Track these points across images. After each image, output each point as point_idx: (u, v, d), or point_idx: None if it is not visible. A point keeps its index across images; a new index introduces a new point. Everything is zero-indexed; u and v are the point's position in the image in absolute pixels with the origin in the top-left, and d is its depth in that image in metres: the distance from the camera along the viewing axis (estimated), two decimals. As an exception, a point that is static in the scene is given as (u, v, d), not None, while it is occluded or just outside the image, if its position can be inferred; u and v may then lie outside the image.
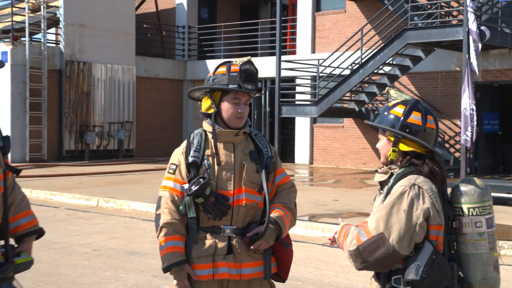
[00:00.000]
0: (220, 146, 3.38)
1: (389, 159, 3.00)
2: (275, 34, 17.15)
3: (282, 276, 3.49)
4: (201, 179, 3.25)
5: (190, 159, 3.33)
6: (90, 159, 20.65)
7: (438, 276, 2.78)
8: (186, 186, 3.29)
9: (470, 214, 2.86)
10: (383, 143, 3.03)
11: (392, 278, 2.87)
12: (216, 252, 3.31)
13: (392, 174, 2.97)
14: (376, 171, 3.08)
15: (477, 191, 2.88)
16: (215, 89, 3.36)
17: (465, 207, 2.88)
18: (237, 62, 3.39)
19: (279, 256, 3.45)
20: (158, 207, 3.37)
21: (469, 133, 11.35)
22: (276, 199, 3.44)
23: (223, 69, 3.35)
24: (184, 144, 3.44)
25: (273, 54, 20.07)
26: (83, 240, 8.90)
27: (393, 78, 16.94)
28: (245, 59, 3.42)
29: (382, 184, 3.04)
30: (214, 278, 3.31)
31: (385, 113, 3.02)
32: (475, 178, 2.98)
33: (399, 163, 2.98)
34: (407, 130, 2.93)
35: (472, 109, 11.38)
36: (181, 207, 3.31)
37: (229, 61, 3.43)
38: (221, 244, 3.32)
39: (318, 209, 11.12)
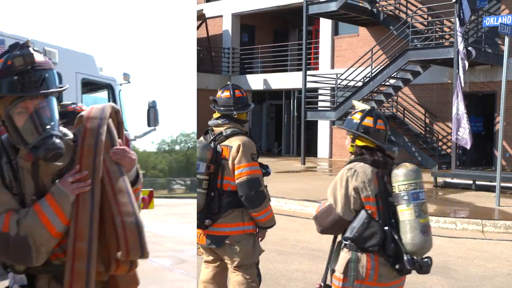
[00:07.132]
0: None
1: (349, 152, 3.19)
2: (302, 54, 17.11)
3: None
4: None
5: None
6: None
7: (368, 234, 2.93)
8: None
9: (398, 190, 2.96)
10: (348, 140, 3.21)
11: (342, 236, 3.08)
12: None
13: None
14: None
15: (403, 172, 2.97)
16: None
17: (395, 185, 2.98)
18: None
19: None
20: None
21: (467, 134, 11.04)
22: None
23: None
24: None
25: (300, 69, 20.01)
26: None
27: (397, 88, 16.75)
28: None
29: None
30: None
31: (349, 118, 3.22)
32: (407, 164, 3.05)
33: (354, 155, 3.19)
34: (362, 131, 3.12)
35: (463, 114, 11.12)
36: None
37: None
38: None
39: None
